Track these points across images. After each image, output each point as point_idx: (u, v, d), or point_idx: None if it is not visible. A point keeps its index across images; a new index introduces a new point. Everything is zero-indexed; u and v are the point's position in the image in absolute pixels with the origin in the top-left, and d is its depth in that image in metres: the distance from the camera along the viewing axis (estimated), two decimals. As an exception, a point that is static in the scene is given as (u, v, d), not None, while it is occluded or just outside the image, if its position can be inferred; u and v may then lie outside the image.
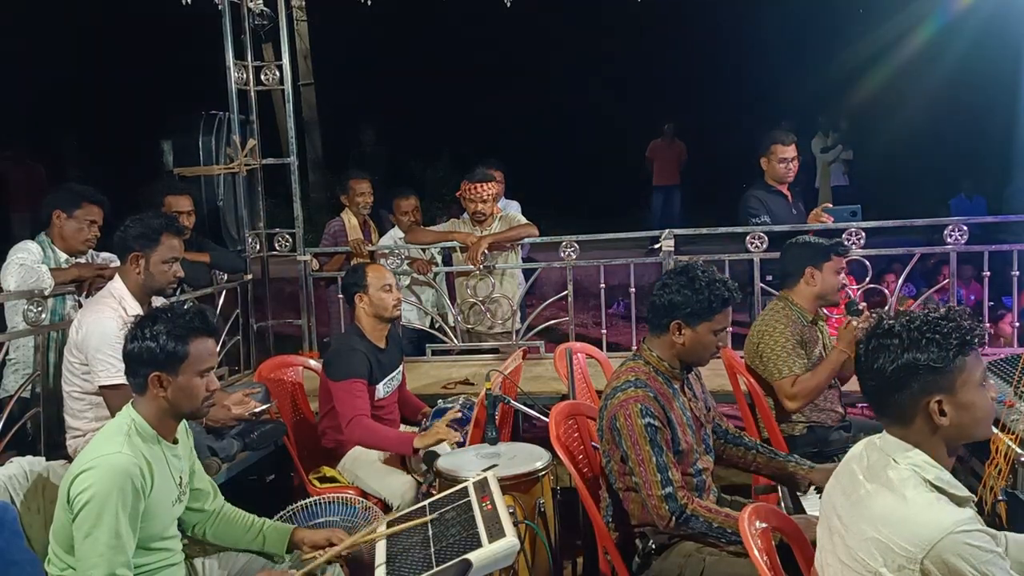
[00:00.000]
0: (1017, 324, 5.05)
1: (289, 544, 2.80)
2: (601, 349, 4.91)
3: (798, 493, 3.04)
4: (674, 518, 2.66)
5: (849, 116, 12.20)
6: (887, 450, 1.92)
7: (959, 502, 1.84)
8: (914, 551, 1.76)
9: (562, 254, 5.33)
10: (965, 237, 4.99)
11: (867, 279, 5.12)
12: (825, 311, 3.91)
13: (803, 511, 2.92)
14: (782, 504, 3.14)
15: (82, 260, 4.11)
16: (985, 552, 1.74)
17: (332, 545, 2.72)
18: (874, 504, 1.87)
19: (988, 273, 5.05)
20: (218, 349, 4.00)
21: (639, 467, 2.69)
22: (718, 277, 2.82)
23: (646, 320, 2.96)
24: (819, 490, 3.00)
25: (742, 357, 3.85)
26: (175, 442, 2.61)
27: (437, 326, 5.57)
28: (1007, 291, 5.68)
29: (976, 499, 1.97)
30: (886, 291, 5.33)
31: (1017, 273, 4.95)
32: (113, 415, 2.88)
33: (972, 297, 7.18)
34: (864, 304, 3.89)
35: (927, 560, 1.74)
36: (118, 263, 3.65)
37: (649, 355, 2.88)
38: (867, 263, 5.09)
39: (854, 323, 3.69)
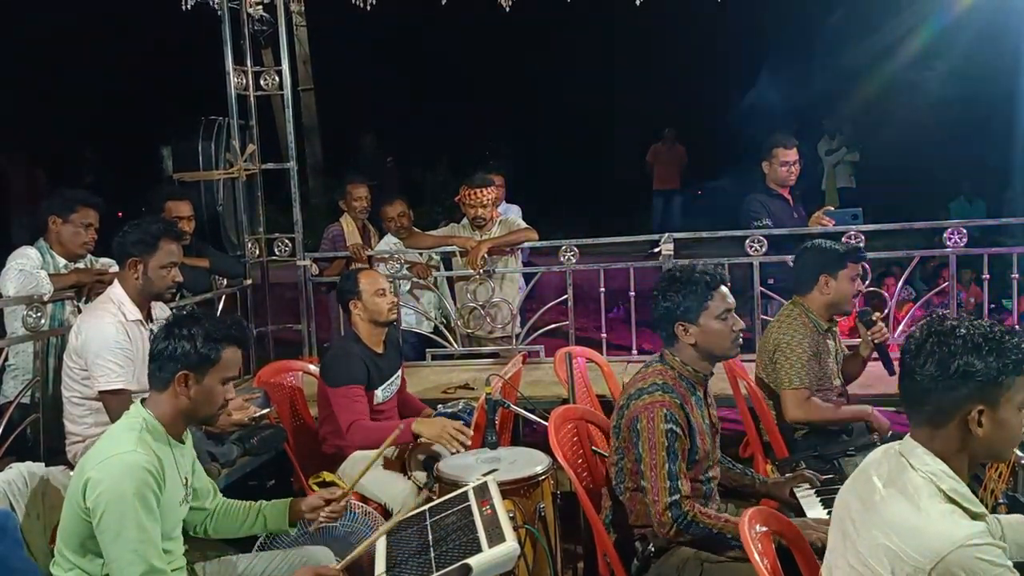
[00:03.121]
0: (1017, 327, 5.04)
1: (290, 517, 2.82)
2: (601, 353, 4.92)
3: (800, 497, 3.03)
4: (675, 526, 2.67)
5: (852, 119, 12.22)
6: (906, 453, 1.91)
7: (973, 516, 1.83)
8: (922, 561, 1.74)
9: (562, 258, 5.33)
10: (965, 240, 4.98)
11: (867, 282, 5.10)
12: (835, 317, 3.88)
13: (803, 514, 2.91)
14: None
15: (81, 265, 4.11)
16: (996, 567, 1.72)
17: (328, 503, 2.77)
18: (887, 511, 1.86)
19: (988, 276, 5.05)
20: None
21: (650, 471, 2.71)
22: (697, 267, 2.87)
23: (660, 335, 2.96)
24: (821, 495, 3.00)
25: (744, 361, 3.83)
26: (181, 443, 2.62)
27: (438, 330, 5.56)
28: (1007, 294, 5.67)
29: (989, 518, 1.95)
30: (885, 294, 5.31)
31: (1017, 276, 4.95)
32: (113, 420, 2.88)
33: (972, 300, 7.18)
34: (877, 314, 3.85)
35: (935, 572, 1.73)
36: (117, 268, 3.65)
37: (673, 360, 2.90)
38: (867, 266, 5.08)
39: (867, 336, 3.68)
